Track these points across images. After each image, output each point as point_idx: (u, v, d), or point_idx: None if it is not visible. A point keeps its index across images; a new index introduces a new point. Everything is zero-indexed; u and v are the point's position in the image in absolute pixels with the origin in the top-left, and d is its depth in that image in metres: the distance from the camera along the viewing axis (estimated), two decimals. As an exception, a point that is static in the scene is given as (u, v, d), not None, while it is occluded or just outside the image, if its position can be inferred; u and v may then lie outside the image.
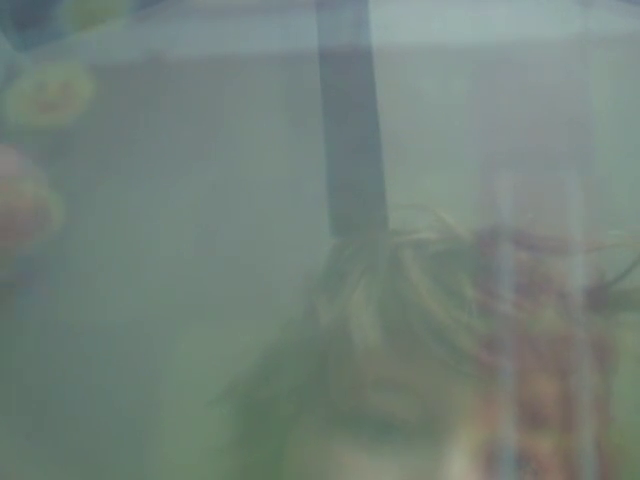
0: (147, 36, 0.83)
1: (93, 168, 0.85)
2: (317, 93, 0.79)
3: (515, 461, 0.58)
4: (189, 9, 0.84)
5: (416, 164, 0.80)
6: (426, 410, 0.59)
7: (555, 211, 0.70)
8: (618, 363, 0.62)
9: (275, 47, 0.82)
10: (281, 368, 0.66)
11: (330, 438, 0.61)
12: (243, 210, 0.83)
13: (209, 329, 0.80)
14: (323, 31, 0.79)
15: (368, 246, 0.66)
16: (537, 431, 0.58)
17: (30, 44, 0.80)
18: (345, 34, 0.79)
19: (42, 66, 0.88)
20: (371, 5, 0.79)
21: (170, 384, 0.79)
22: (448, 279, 0.61)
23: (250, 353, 0.67)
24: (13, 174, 0.80)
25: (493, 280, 0.61)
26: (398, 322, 0.61)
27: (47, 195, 0.80)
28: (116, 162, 0.84)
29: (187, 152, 0.84)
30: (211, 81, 0.86)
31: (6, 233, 0.80)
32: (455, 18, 0.81)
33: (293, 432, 0.64)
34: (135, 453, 0.77)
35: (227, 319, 0.80)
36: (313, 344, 0.64)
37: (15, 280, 0.78)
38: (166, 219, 0.83)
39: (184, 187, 0.84)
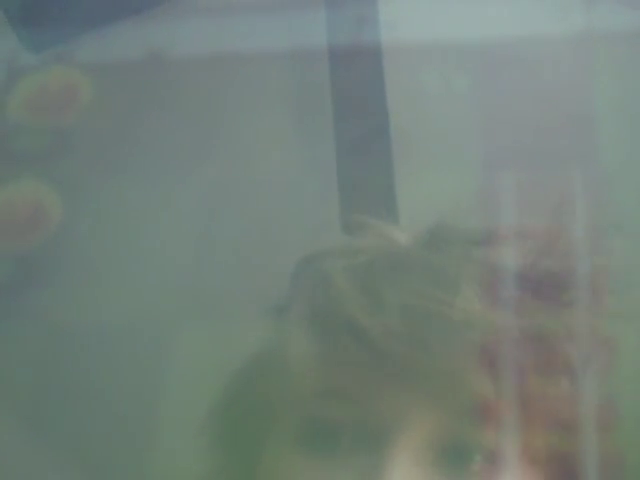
0: (151, 35, 0.83)
1: (94, 167, 0.84)
2: (325, 90, 0.79)
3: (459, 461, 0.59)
4: (193, 7, 0.84)
5: (424, 161, 0.80)
6: (364, 415, 0.60)
7: (556, 210, 0.70)
8: (617, 360, 0.62)
9: (282, 45, 0.82)
10: (242, 390, 0.68)
11: (291, 453, 0.62)
12: (249, 209, 0.82)
13: (210, 330, 0.79)
14: (330, 28, 0.79)
15: (314, 260, 0.68)
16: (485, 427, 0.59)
17: (39, 44, 0.80)
18: (353, 31, 0.79)
19: (45, 65, 0.88)
20: (379, 2, 0.79)
21: (168, 387, 0.79)
22: (370, 286, 0.62)
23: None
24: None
25: (417, 282, 0.61)
26: (329, 331, 0.62)
27: (48, 195, 0.80)
28: (118, 161, 0.84)
29: (191, 151, 0.84)
30: (218, 79, 0.86)
31: (6, 233, 0.79)
32: (460, 15, 0.81)
33: (264, 453, 0.65)
34: (133, 452, 0.76)
35: (230, 320, 0.80)
36: (268, 363, 0.66)
37: (15, 280, 0.78)
38: (169, 218, 0.83)
39: (188, 186, 0.83)
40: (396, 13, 0.81)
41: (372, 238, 0.65)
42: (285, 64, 0.85)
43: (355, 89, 0.80)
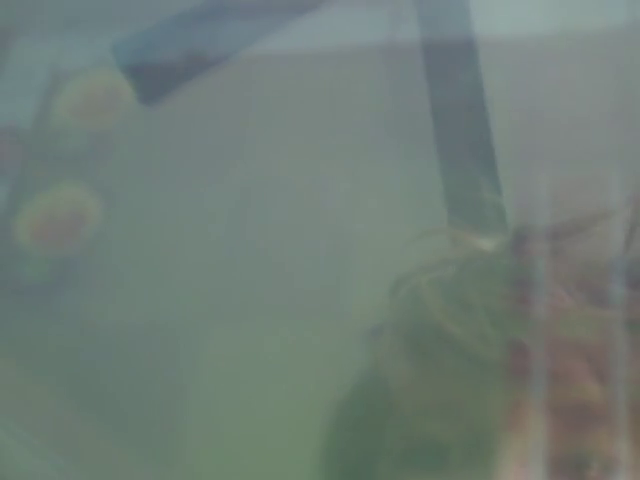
0: (190, 36, 0.83)
1: (131, 171, 0.85)
2: (422, 85, 0.77)
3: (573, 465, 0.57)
4: (231, 8, 0.84)
5: (527, 159, 0.78)
6: (472, 430, 0.59)
7: (599, 208, 0.68)
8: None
9: (319, 44, 0.82)
10: (352, 413, 0.67)
11: (400, 473, 0.61)
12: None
13: (241, 331, 0.79)
14: (424, 22, 0.77)
15: (404, 279, 0.67)
16: (590, 433, 0.56)
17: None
18: (446, 25, 0.77)
19: (87, 69, 0.89)
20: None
21: (198, 387, 0.79)
22: (466, 296, 0.61)
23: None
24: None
25: (503, 286, 0.60)
26: (422, 350, 0.61)
27: (86, 198, 0.81)
28: (155, 165, 0.84)
29: (227, 153, 0.85)
30: (256, 80, 0.86)
31: (45, 235, 0.80)
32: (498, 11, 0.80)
33: (377, 473, 0.65)
34: (160, 453, 0.77)
35: (260, 322, 0.80)
36: (369, 384, 0.65)
37: (52, 281, 0.79)
38: (204, 221, 0.83)
39: (223, 188, 0.84)
40: (490, 6, 0.79)
41: (456, 248, 0.64)
42: (321, 64, 0.85)
43: (455, 83, 0.78)
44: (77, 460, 0.74)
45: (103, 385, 0.78)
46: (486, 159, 0.74)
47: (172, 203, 0.84)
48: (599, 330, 0.57)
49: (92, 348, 0.79)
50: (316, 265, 0.79)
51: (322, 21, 0.81)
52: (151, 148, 0.87)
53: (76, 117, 0.89)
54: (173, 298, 0.80)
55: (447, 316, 0.58)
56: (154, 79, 0.80)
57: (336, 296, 0.82)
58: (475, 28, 0.76)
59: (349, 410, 0.65)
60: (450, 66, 0.76)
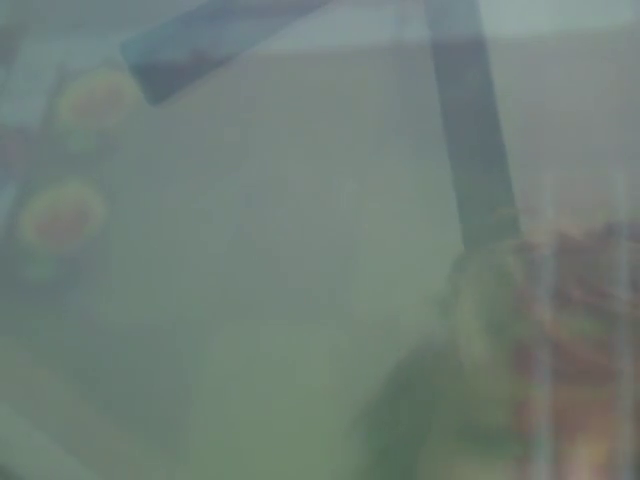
0: (195, 35, 0.83)
1: (138, 170, 0.85)
2: (432, 84, 0.77)
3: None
4: (236, 8, 0.84)
5: (538, 156, 0.78)
6: (542, 423, 0.57)
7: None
8: None
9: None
10: (405, 386, 0.65)
11: (453, 453, 0.60)
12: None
13: (249, 329, 0.79)
14: (432, 21, 0.77)
15: (481, 256, 0.64)
16: None
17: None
18: (453, 24, 0.77)
19: (93, 69, 0.89)
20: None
21: (207, 386, 0.79)
22: (555, 282, 0.58)
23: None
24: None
25: (607, 280, 0.57)
26: (506, 333, 0.59)
27: (93, 196, 0.81)
28: (161, 164, 0.84)
29: (232, 152, 0.85)
30: (261, 80, 0.86)
31: (52, 233, 0.80)
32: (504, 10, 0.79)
33: (420, 450, 0.63)
34: (170, 452, 0.77)
35: (266, 320, 0.80)
36: (432, 360, 0.63)
37: (59, 279, 0.79)
38: (211, 220, 0.83)
39: (229, 187, 0.84)
40: (499, 5, 0.79)
41: (543, 232, 0.62)
42: (327, 64, 0.85)
43: (465, 82, 0.78)
44: (85, 456, 0.74)
45: (109, 383, 0.78)
46: (495, 158, 0.74)
47: (177, 203, 0.84)
48: None
49: (97, 346, 0.79)
50: (322, 266, 0.79)
51: (329, 21, 0.81)
52: (157, 148, 0.87)
53: (83, 117, 0.89)
54: (177, 297, 0.80)
55: (539, 304, 0.56)
56: (160, 79, 0.80)
57: (342, 297, 0.82)
58: (483, 27, 0.76)
59: (408, 380, 0.63)
60: (458, 65, 0.76)
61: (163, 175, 0.86)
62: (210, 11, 0.83)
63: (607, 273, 0.56)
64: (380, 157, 0.86)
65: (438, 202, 0.78)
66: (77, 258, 0.82)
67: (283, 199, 0.84)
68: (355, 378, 0.71)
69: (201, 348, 0.79)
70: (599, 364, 0.54)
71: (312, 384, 0.73)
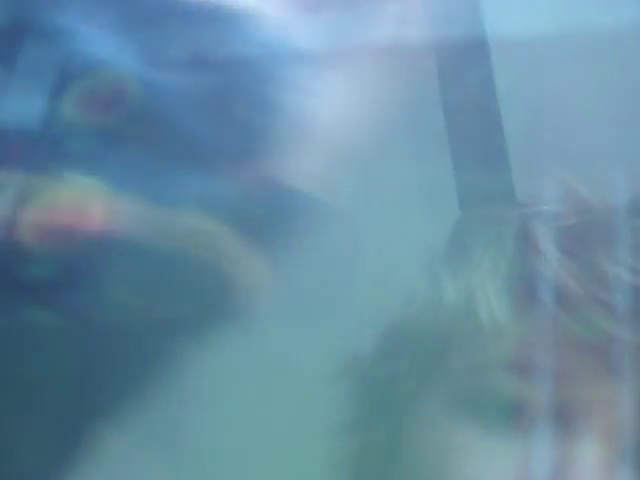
0: (195, 35, 0.83)
1: (136, 169, 0.85)
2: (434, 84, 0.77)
3: None
4: (236, 8, 0.84)
5: (540, 156, 0.78)
6: (555, 393, 0.55)
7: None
8: None
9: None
10: (401, 345, 0.63)
11: (450, 419, 0.58)
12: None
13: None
14: (434, 21, 0.77)
15: (495, 218, 0.63)
16: None
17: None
18: (455, 24, 0.77)
19: (90, 70, 0.89)
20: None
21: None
22: (582, 252, 0.57)
23: (367, 328, 0.64)
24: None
25: (632, 255, 0.56)
26: (528, 297, 0.57)
27: (90, 196, 0.81)
28: (162, 163, 0.84)
29: (235, 152, 0.84)
30: (263, 80, 0.86)
31: (52, 234, 0.80)
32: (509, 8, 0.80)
33: (411, 412, 0.61)
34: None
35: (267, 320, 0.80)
36: (436, 319, 0.60)
37: (58, 280, 0.79)
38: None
39: (233, 187, 0.83)
40: (501, 4, 0.79)
41: (566, 204, 0.60)
42: (329, 64, 0.85)
43: (466, 81, 0.78)
44: (85, 456, 0.74)
45: (109, 383, 0.78)
46: (497, 158, 0.74)
47: (177, 203, 0.84)
48: None
49: (97, 346, 0.79)
50: (322, 266, 0.79)
51: (329, 21, 0.82)
52: (157, 148, 0.87)
53: (83, 117, 0.89)
54: (177, 296, 0.80)
55: (567, 272, 0.54)
56: (160, 79, 0.80)
57: (342, 297, 0.82)
58: (484, 27, 0.76)
59: (414, 335, 0.61)
60: (459, 65, 0.76)
61: (163, 175, 0.86)
62: (211, 11, 0.83)
63: (636, 251, 0.55)
64: (380, 157, 0.86)
65: (439, 202, 0.78)
66: (77, 258, 0.82)
67: (283, 199, 0.84)
68: (355, 378, 0.71)
69: (201, 348, 0.79)
70: (624, 345, 0.53)
71: (312, 384, 0.73)
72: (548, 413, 0.54)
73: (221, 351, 0.78)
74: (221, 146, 0.82)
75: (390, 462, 0.61)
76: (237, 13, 0.78)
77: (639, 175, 0.71)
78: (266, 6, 0.81)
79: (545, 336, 0.55)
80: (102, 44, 0.84)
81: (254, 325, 0.77)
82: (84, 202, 0.82)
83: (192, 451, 0.77)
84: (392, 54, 0.84)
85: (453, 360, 0.58)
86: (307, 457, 0.70)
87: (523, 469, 0.53)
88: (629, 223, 0.58)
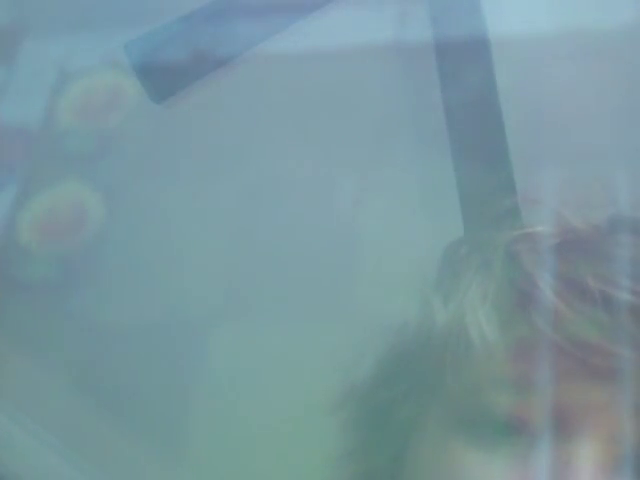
0: (195, 34, 0.83)
1: (136, 170, 0.85)
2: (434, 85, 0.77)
3: None
4: (236, 7, 0.84)
5: (539, 155, 0.78)
6: (550, 409, 0.56)
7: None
8: None
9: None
10: (398, 370, 0.64)
11: (449, 440, 0.59)
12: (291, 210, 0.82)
13: (249, 328, 0.79)
14: (434, 20, 0.77)
15: (482, 243, 0.64)
16: None
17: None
18: (457, 23, 0.77)
19: (93, 70, 0.89)
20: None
21: (209, 385, 0.79)
22: (567, 270, 0.58)
23: (364, 355, 0.65)
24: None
25: (614, 270, 0.57)
26: (516, 317, 0.58)
27: (89, 195, 0.81)
28: (159, 164, 0.85)
29: (231, 152, 0.85)
30: (260, 80, 0.86)
31: (50, 234, 0.80)
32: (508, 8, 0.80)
33: (412, 436, 0.62)
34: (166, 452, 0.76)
35: (266, 319, 0.80)
36: (429, 344, 0.62)
37: (58, 280, 0.79)
38: (208, 220, 0.83)
39: (228, 187, 0.84)
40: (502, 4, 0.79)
41: (549, 225, 0.62)
42: (330, 63, 0.85)
43: (468, 82, 0.78)
44: (85, 456, 0.74)
45: (109, 383, 0.78)
46: (497, 157, 0.74)
47: (178, 203, 0.84)
48: None
49: (97, 346, 0.79)
50: (322, 266, 0.79)
51: (329, 21, 0.81)
52: (157, 148, 0.87)
53: (83, 117, 0.89)
54: (177, 297, 0.80)
55: (552, 290, 0.55)
56: (161, 79, 0.80)
57: (343, 297, 0.82)
58: (484, 26, 0.76)
59: (409, 362, 0.62)
60: (459, 65, 0.76)
61: (163, 175, 0.86)
62: (211, 11, 0.83)
63: (619, 266, 0.56)
64: (381, 157, 0.86)
65: (440, 202, 0.78)
66: (77, 258, 0.82)
67: (283, 199, 0.84)
68: (355, 378, 0.71)
69: (201, 348, 0.79)
70: (613, 357, 0.54)
71: (312, 384, 0.72)
72: (545, 428, 0.55)
73: (221, 351, 0.78)
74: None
75: None
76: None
77: (639, 175, 0.71)
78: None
79: (536, 354, 0.56)
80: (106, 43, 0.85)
81: (254, 325, 0.78)
82: (83, 202, 0.82)
83: (192, 451, 0.77)
84: (392, 54, 0.84)
85: (448, 382, 0.59)
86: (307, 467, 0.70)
87: None
88: (614, 240, 0.59)
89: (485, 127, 0.75)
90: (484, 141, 0.76)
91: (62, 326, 0.81)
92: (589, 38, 0.81)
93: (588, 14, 0.82)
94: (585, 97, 0.83)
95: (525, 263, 0.58)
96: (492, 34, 0.78)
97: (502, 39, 0.80)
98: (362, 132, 0.85)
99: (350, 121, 0.88)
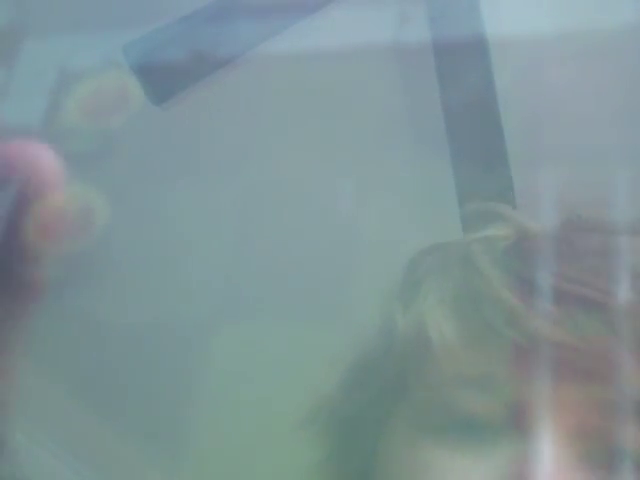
0: (195, 35, 0.83)
1: (140, 171, 0.85)
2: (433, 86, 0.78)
3: (611, 455, 0.55)
4: (236, 8, 0.84)
5: (538, 156, 0.78)
6: (510, 404, 0.57)
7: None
8: None
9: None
10: (364, 377, 0.65)
11: (418, 440, 0.60)
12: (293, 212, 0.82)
13: (248, 330, 0.80)
14: (433, 21, 0.77)
15: (442, 249, 0.66)
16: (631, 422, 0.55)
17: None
18: (456, 24, 0.77)
19: (94, 71, 0.89)
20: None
21: (212, 386, 0.79)
22: (519, 269, 0.60)
23: (327, 366, 0.66)
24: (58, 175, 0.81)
25: (566, 267, 0.58)
26: (473, 316, 0.59)
27: (91, 196, 0.81)
28: (162, 165, 0.85)
29: (234, 154, 0.85)
30: (262, 81, 0.86)
31: (50, 234, 0.80)
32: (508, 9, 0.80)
33: (382, 440, 0.63)
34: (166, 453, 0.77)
35: (268, 322, 0.80)
36: (393, 347, 0.63)
37: (61, 281, 0.79)
38: (213, 221, 0.83)
39: (232, 189, 0.84)
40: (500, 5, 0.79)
41: (506, 227, 0.63)
42: (329, 64, 0.85)
43: (466, 83, 0.78)
44: (85, 456, 0.74)
45: (110, 384, 0.78)
46: (496, 158, 0.74)
47: (179, 203, 0.84)
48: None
49: (98, 347, 0.80)
50: (322, 266, 0.80)
51: (329, 21, 0.82)
52: (158, 148, 0.87)
53: (83, 117, 0.89)
54: (178, 297, 0.81)
55: (505, 287, 0.57)
56: (161, 80, 0.80)
57: (343, 297, 0.82)
58: (484, 27, 0.77)
59: (373, 370, 0.63)
60: (459, 65, 0.76)
61: (164, 175, 0.86)
62: (212, 12, 0.83)
63: (571, 263, 0.58)
64: (380, 157, 0.86)
65: (439, 202, 0.78)
66: (77, 258, 0.82)
67: (284, 199, 0.84)
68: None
69: (201, 348, 0.79)
70: (568, 351, 0.55)
71: (312, 384, 0.73)
72: (505, 425, 0.56)
73: (222, 352, 0.78)
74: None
75: None
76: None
77: (638, 175, 0.71)
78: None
79: (493, 351, 0.57)
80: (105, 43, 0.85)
81: (255, 326, 0.78)
82: (83, 202, 0.82)
83: (192, 452, 0.78)
84: (391, 55, 0.84)
85: (412, 384, 0.61)
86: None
87: None
88: (567, 239, 0.61)
89: (484, 128, 0.76)
90: (483, 142, 0.76)
91: (62, 326, 0.81)
92: (589, 38, 0.81)
93: (588, 14, 0.82)
94: (585, 98, 0.83)
95: (480, 264, 0.59)
96: (491, 35, 0.78)
97: (501, 40, 0.80)
98: (361, 132, 0.85)
99: (349, 121, 0.88)
